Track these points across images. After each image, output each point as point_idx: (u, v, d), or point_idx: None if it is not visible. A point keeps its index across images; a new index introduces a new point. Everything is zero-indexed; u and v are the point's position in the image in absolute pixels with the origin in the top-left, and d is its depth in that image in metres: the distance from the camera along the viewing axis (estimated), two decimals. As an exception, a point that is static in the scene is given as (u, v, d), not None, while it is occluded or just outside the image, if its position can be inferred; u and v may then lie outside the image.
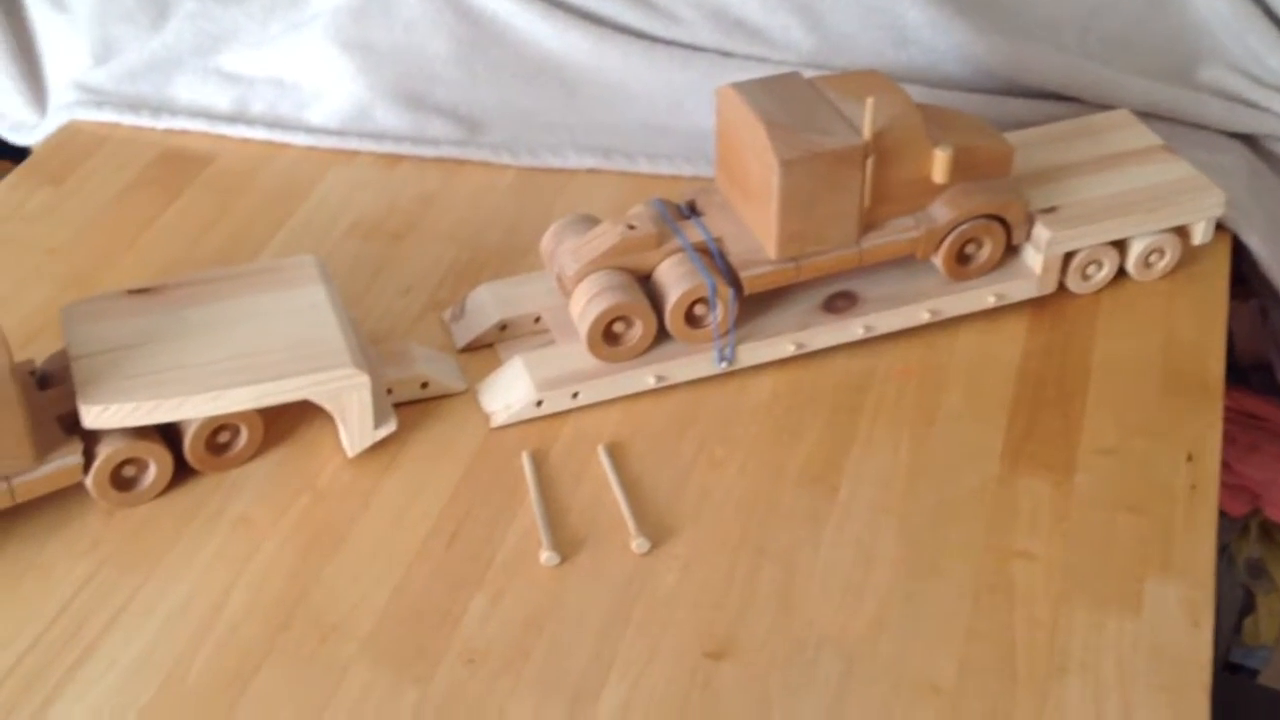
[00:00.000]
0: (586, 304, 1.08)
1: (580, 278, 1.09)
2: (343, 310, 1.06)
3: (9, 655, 0.90)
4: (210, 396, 0.98)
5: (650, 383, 1.09)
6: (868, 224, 1.11)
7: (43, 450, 0.96)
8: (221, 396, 0.98)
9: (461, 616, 0.93)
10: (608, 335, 1.08)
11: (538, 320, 1.15)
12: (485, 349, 1.15)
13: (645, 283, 1.11)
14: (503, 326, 1.15)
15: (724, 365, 1.11)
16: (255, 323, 1.03)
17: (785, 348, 1.12)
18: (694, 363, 1.10)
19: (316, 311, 1.04)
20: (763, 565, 0.97)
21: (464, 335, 1.16)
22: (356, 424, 1.02)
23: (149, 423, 0.97)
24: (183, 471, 1.02)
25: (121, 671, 0.89)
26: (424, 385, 1.09)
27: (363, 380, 1.00)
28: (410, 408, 1.09)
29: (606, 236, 1.10)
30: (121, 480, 0.99)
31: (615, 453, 1.05)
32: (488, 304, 1.16)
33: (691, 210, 1.14)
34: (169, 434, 1.01)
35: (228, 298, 1.05)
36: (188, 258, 1.23)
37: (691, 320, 1.10)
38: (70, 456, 0.96)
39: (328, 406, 1.01)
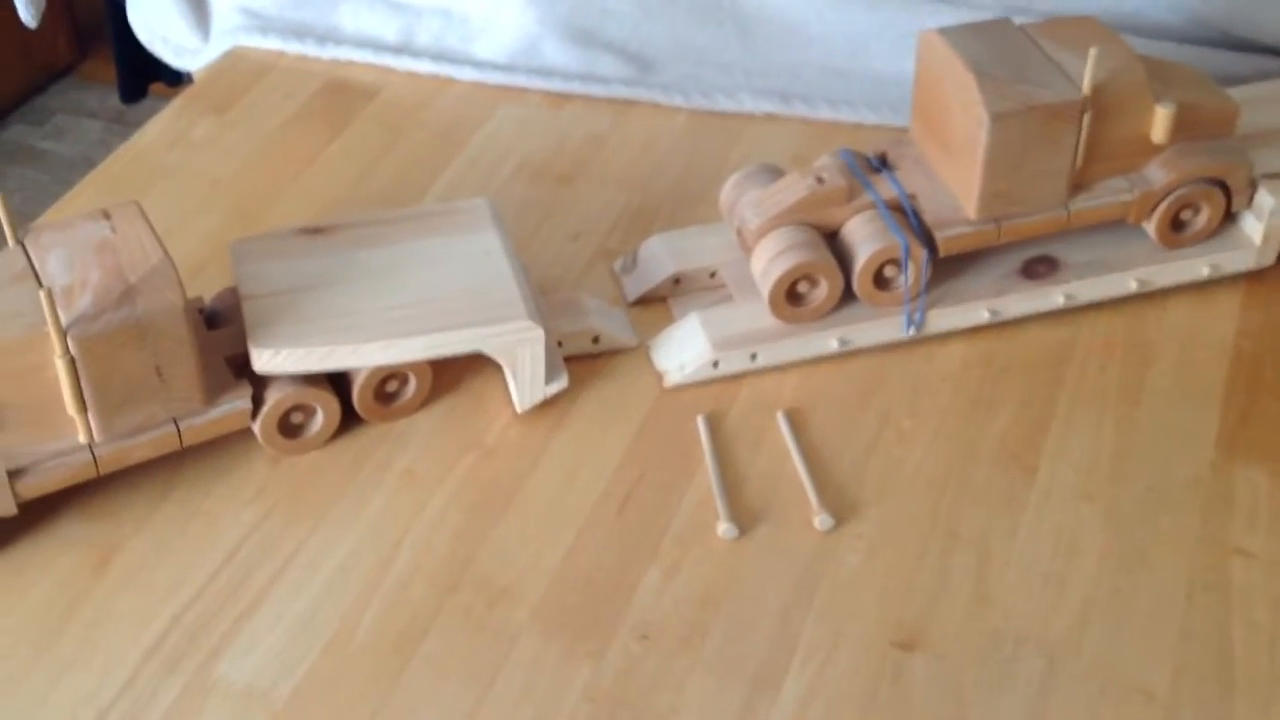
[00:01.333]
0: (770, 261, 1.02)
1: (763, 233, 1.03)
2: (515, 258, 1.01)
3: (176, 603, 0.88)
4: (383, 345, 0.94)
5: (833, 346, 1.03)
6: (1077, 185, 1.03)
7: (212, 393, 0.93)
8: (394, 345, 0.94)
9: (635, 588, 0.89)
10: (790, 295, 1.02)
11: (713, 275, 1.10)
12: (657, 303, 1.10)
13: (831, 240, 1.04)
14: (677, 280, 1.10)
15: (912, 331, 1.04)
16: (428, 268, 0.99)
17: (979, 314, 1.05)
18: (880, 327, 1.04)
19: (490, 259, 1.00)
20: (955, 550, 0.91)
21: (635, 288, 1.10)
22: (528, 379, 0.98)
23: (320, 370, 0.94)
24: (349, 420, 0.98)
25: (288, 627, 0.87)
26: (595, 340, 1.04)
27: (537, 334, 0.96)
28: (580, 363, 1.04)
29: (793, 190, 1.03)
30: (289, 427, 0.96)
31: (794, 420, 1.00)
32: (661, 255, 1.11)
33: (882, 163, 1.07)
34: (337, 381, 0.97)
35: (400, 241, 1.01)
36: (353, 195, 1.20)
37: (880, 282, 1.03)
38: (240, 401, 0.94)
39: (499, 359, 0.97)
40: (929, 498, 0.94)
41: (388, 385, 0.98)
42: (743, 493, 0.95)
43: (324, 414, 0.96)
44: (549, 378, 0.99)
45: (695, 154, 1.25)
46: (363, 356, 0.94)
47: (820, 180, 1.03)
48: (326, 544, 0.92)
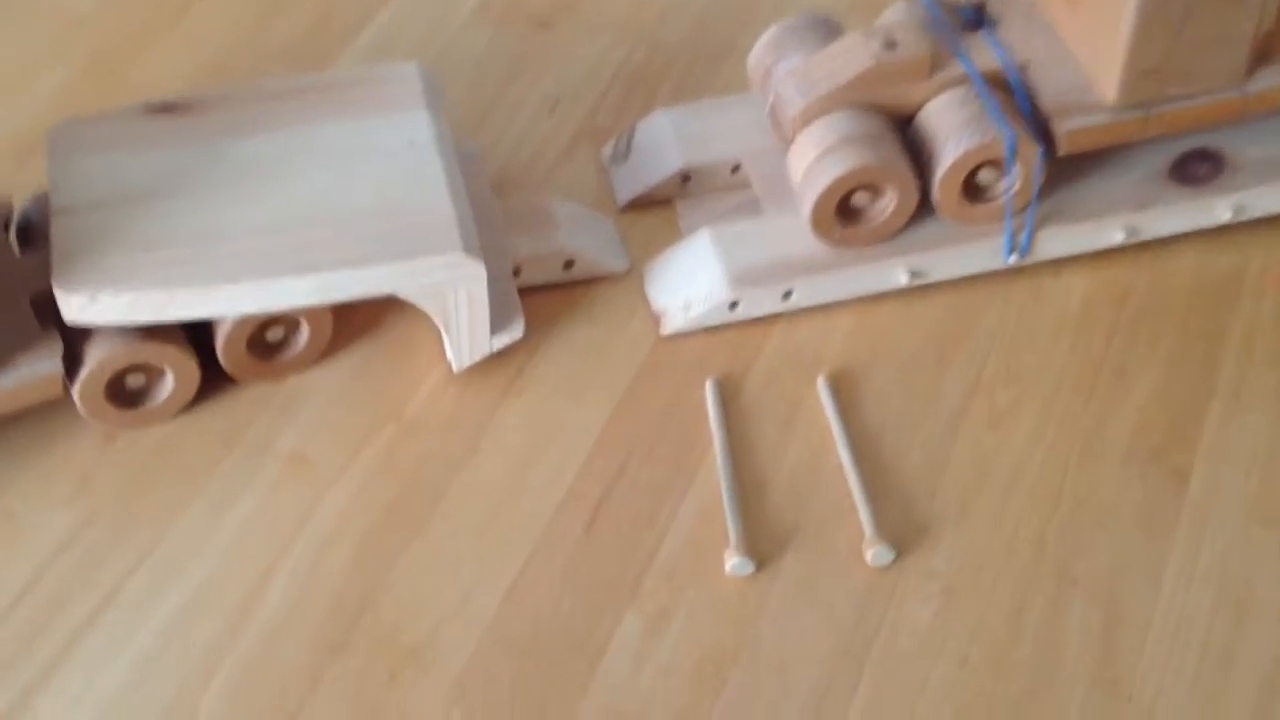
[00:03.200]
0: (816, 161, 0.71)
1: (809, 118, 0.73)
2: (453, 152, 0.72)
3: (-53, 656, 0.62)
4: (250, 288, 0.65)
5: (901, 280, 0.74)
6: (1261, 54, 0.71)
7: (6, 350, 0.65)
8: (265, 289, 0.65)
9: (603, 651, 0.62)
10: (843, 209, 0.72)
11: (735, 170, 0.79)
12: (658, 209, 0.80)
13: (904, 129, 0.74)
14: (685, 178, 0.79)
15: (1014, 258, 0.74)
16: (325, 169, 0.69)
17: (1111, 235, 0.75)
18: (967, 254, 0.74)
19: (417, 155, 0.70)
20: (1069, 602, 0.63)
21: (629, 185, 0.81)
22: (465, 330, 0.69)
23: (158, 321, 0.66)
24: (215, 378, 0.70)
25: (97, 706, 0.60)
26: (568, 264, 0.75)
27: (476, 271, 0.67)
28: (546, 297, 0.75)
29: (853, 56, 0.72)
30: (124, 393, 0.69)
31: (842, 390, 0.71)
32: (666, 140, 0.80)
33: (979, 17, 0.76)
34: (197, 326, 0.69)
35: (289, 125, 0.71)
36: (250, 45, 0.89)
37: (971, 191, 0.73)
38: (45, 362, 0.66)
39: (424, 306, 0.68)
40: (1033, 517, 0.66)
41: (269, 333, 0.70)
42: (764, 503, 0.66)
43: (175, 376, 0.68)
44: (496, 325, 0.70)
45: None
46: (218, 304, 0.65)
47: (891, 43, 0.72)
48: (168, 569, 0.64)
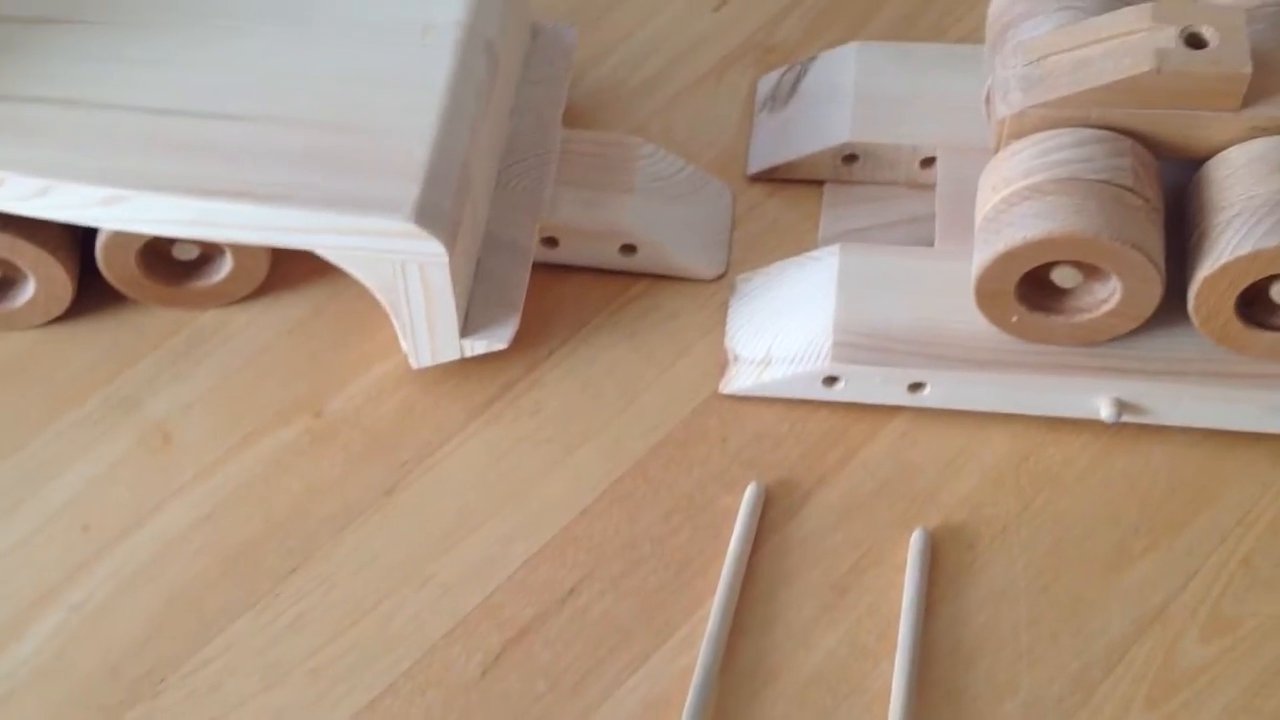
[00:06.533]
0: (1007, 202, 0.45)
1: (1026, 128, 0.46)
2: (491, 50, 0.49)
3: None
4: (110, 195, 0.45)
5: (1100, 412, 0.47)
6: None
7: None
8: (134, 201, 0.45)
9: None
10: (1036, 283, 0.46)
11: (928, 165, 0.53)
12: (805, 189, 0.55)
13: (1185, 176, 0.46)
14: (851, 156, 0.54)
15: (1295, 427, 0.46)
16: (293, 37, 0.48)
17: None
18: (1221, 400, 0.46)
19: (425, 47, 0.48)
20: None
21: (771, 147, 0.56)
22: (423, 323, 0.47)
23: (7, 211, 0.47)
24: (98, 290, 0.51)
25: None
26: (627, 249, 0.52)
27: (432, 249, 0.44)
28: (588, 284, 0.52)
29: (1127, 45, 0.44)
30: (-30, 287, 0.51)
31: (950, 553, 0.46)
32: (843, 92, 0.55)
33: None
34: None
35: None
36: None
37: (1256, 306, 0.45)
38: None
39: (360, 278, 0.46)
40: None
41: (175, 249, 0.50)
42: (757, 709, 0.43)
43: (36, 280, 0.50)
44: (475, 322, 0.48)
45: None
46: (64, 204, 0.46)
47: (1195, 39, 0.44)
48: (-62, 548, 0.47)
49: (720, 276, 0.53)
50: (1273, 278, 0.44)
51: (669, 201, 0.53)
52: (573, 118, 0.56)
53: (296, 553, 0.46)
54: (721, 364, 0.50)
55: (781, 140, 0.56)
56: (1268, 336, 0.45)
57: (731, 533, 0.46)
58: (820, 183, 0.55)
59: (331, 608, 0.45)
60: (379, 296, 0.47)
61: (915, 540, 0.46)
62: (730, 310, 0.51)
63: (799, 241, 0.53)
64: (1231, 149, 0.45)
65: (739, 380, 0.49)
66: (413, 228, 0.44)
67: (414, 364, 0.49)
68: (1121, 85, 0.44)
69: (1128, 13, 0.45)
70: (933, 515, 0.47)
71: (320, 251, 0.46)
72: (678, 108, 0.58)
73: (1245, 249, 0.42)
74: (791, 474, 0.48)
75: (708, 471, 0.48)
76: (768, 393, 0.49)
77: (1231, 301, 0.44)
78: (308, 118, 0.46)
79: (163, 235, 0.47)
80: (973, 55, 0.54)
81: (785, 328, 0.49)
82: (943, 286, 0.48)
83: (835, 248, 0.50)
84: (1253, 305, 0.45)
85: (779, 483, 0.48)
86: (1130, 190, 0.44)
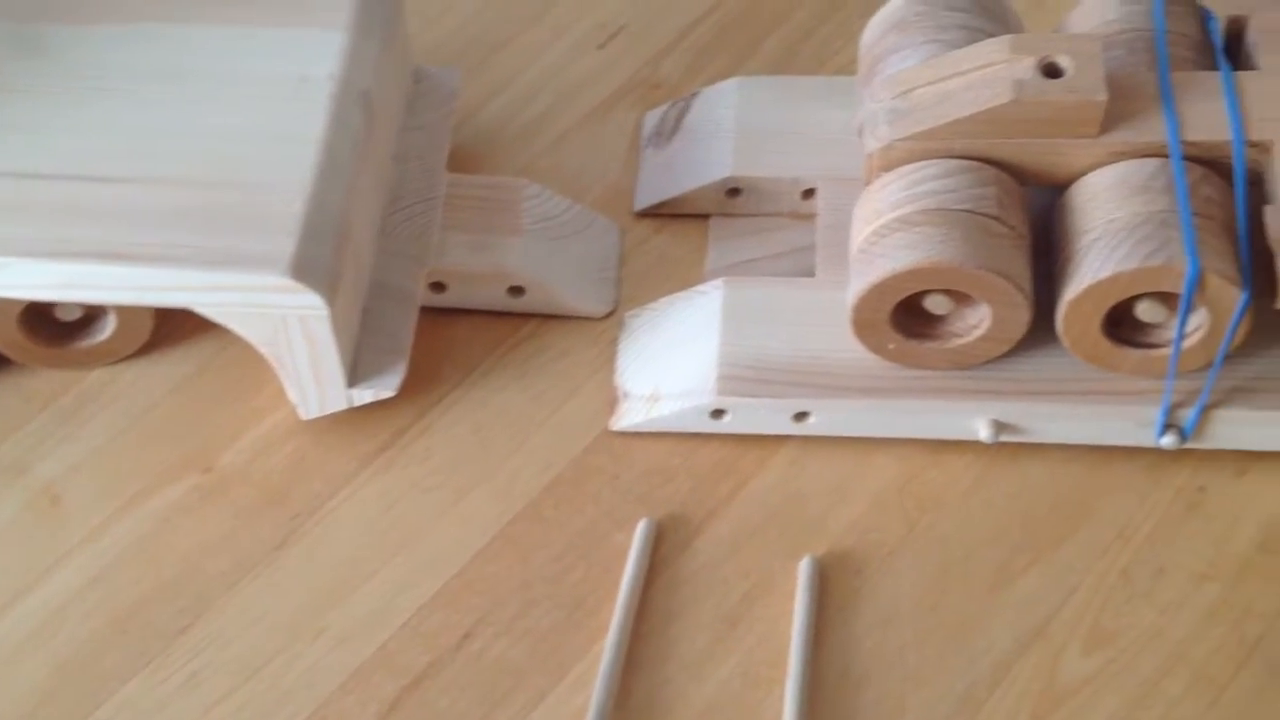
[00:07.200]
0: (878, 234, 0.46)
1: (894, 160, 0.47)
2: (370, 98, 0.49)
3: None
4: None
5: (979, 433, 0.48)
6: None
7: None
8: (21, 266, 0.45)
9: None
10: (911, 311, 0.47)
11: (810, 196, 0.54)
12: (693, 222, 0.56)
13: (1049, 200, 0.47)
14: (734, 190, 0.55)
15: (1169, 440, 0.47)
16: (168, 95, 0.48)
17: (1335, 441, 0.47)
18: (1095, 416, 0.47)
19: (301, 98, 0.48)
20: None
21: (657, 183, 0.56)
22: (309, 373, 0.48)
23: None
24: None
25: None
26: (515, 291, 0.52)
27: (311, 303, 0.45)
28: (478, 327, 0.53)
29: (987, 77, 0.45)
30: None
31: (839, 580, 0.46)
32: (725, 126, 0.56)
33: (1233, 42, 0.47)
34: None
35: (152, 15, 0.50)
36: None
37: (1123, 325, 0.46)
38: None
39: (241, 334, 0.47)
40: None
41: (58, 309, 0.50)
42: (656, 741, 0.44)
43: (-85, 345, 0.49)
44: (364, 369, 0.49)
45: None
46: (-66, 275, 0.45)
47: (1052, 69, 0.45)
48: None
49: (609, 314, 0.53)
50: (1137, 297, 0.45)
51: (556, 241, 0.53)
52: (461, 160, 0.57)
53: (188, 611, 0.46)
54: (612, 401, 0.51)
55: (667, 176, 0.56)
56: (1136, 354, 0.46)
57: (624, 569, 0.47)
58: (706, 216, 0.56)
59: (225, 665, 0.45)
60: (262, 350, 0.47)
61: (804, 568, 0.46)
62: (619, 347, 0.52)
63: (687, 275, 0.54)
64: (1091, 174, 0.46)
65: (629, 417, 0.50)
66: (290, 282, 0.44)
67: (302, 415, 0.49)
68: (983, 117, 0.45)
69: (988, 45, 0.46)
70: (821, 542, 0.47)
71: (200, 309, 0.46)
72: (565, 146, 0.58)
73: (1106, 272, 0.44)
74: (683, 508, 0.48)
75: (600, 509, 0.48)
76: (657, 428, 0.50)
77: (1098, 322, 0.45)
78: (184, 177, 0.46)
79: (31, 297, 0.46)
80: (850, 87, 0.55)
81: (672, 363, 0.50)
82: (823, 317, 0.49)
83: (719, 282, 0.51)
84: (1120, 324, 0.46)
85: (670, 517, 0.48)
86: (995, 219, 0.45)
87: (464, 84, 0.58)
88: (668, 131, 0.58)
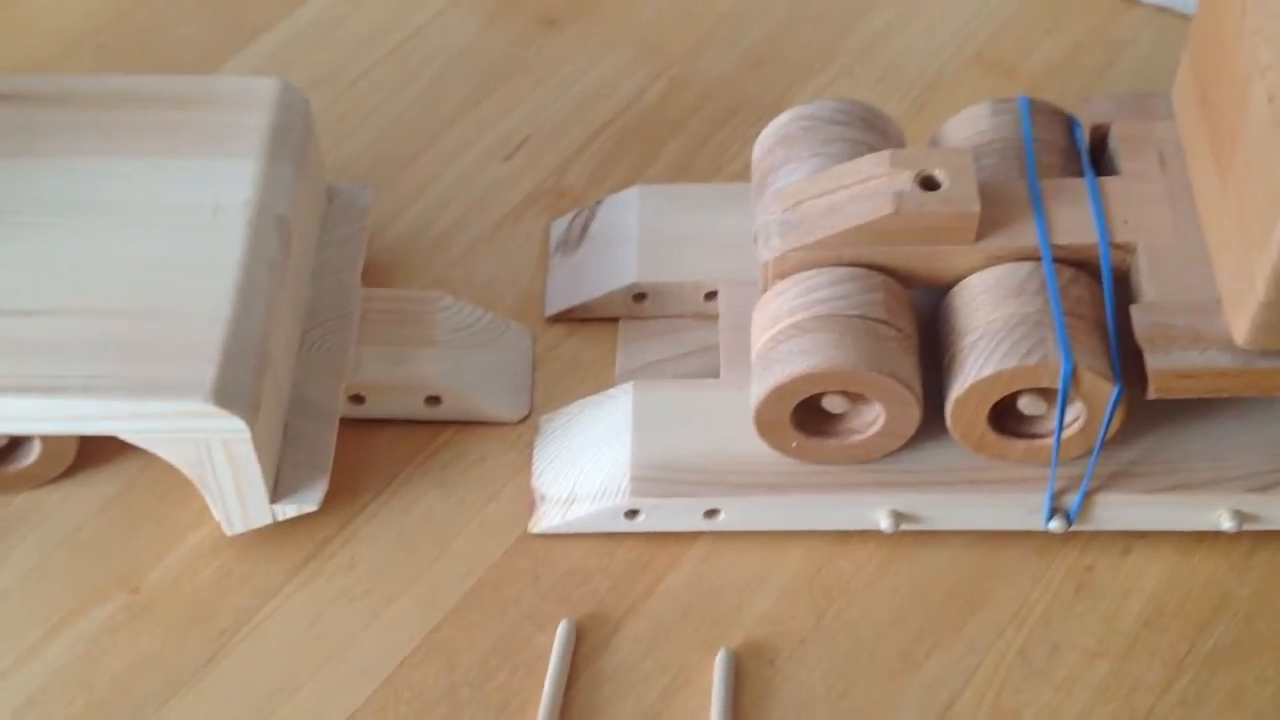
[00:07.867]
0: (775, 340, 0.48)
1: (787, 269, 0.50)
2: (279, 229, 0.51)
3: None
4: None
5: (880, 524, 0.50)
6: None
7: None
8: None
9: None
10: (811, 410, 0.49)
11: (711, 298, 0.57)
12: (603, 326, 0.58)
13: (937, 300, 0.50)
14: (640, 295, 0.57)
15: (1056, 525, 0.50)
16: (87, 226, 0.50)
17: (1211, 517, 0.50)
18: (987, 504, 0.50)
19: (215, 227, 0.50)
20: None
21: (566, 289, 0.59)
22: (232, 492, 0.49)
23: None
24: (-80, 482, 0.52)
25: None
26: (432, 400, 0.54)
27: (233, 426, 0.46)
28: (398, 436, 0.54)
29: (868, 190, 0.48)
30: None
31: (753, 670, 0.48)
32: (628, 234, 0.58)
33: (1097, 148, 0.51)
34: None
35: (72, 150, 0.52)
36: (118, 23, 0.70)
37: (1008, 418, 0.49)
38: None
39: (165, 457, 0.48)
40: None
41: (-17, 438, 0.51)
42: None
43: None
44: (286, 485, 0.50)
45: (795, 23, 0.69)
46: None
47: (929, 181, 0.48)
48: None
49: (525, 418, 0.55)
50: (1019, 392, 0.48)
51: (471, 350, 0.55)
52: (375, 273, 0.59)
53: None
54: (530, 504, 0.53)
55: (576, 282, 0.59)
56: (1021, 444, 0.49)
57: (547, 671, 0.48)
58: (615, 319, 0.58)
59: (158, 784, 0.46)
60: (186, 472, 0.48)
61: (719, 661, 0.48)
62: (535, 451, 0.54)
63: (599, 378, 0.56)
64: (971, 277, 0.49)
65: (547, 519, 0.52)
66: (212, 408, 0.46)
67: (227, 531, 0.51)
68: (867, 227, 0.48)
69: (869, 160, 0.49)
70: (736, 634, 0.49)
71: (124, 436, 0.47)
72: (476, 255, 0.61)
73: (988, 370, 0.46)
74: (601, 607, 0.50)
75: (521, 612, 0.50)
76: (574, 529, 0.51)
77: (984, 416, 0.48)
78: (105, 307, 0.48)
79: (-34, 430, 0.48)
80: (744, 193, 0.58)
81: (587, 466, 0.52)
82: (728, 417, 0.51)
83: (628, 386, 0.53)
84: (1006, 416, 0.49)
85: (590, 616, 0.50)
86: (884, 323, 0.48)
87: (375, 199, 0.60)
88: (574, 239, 0.60)
